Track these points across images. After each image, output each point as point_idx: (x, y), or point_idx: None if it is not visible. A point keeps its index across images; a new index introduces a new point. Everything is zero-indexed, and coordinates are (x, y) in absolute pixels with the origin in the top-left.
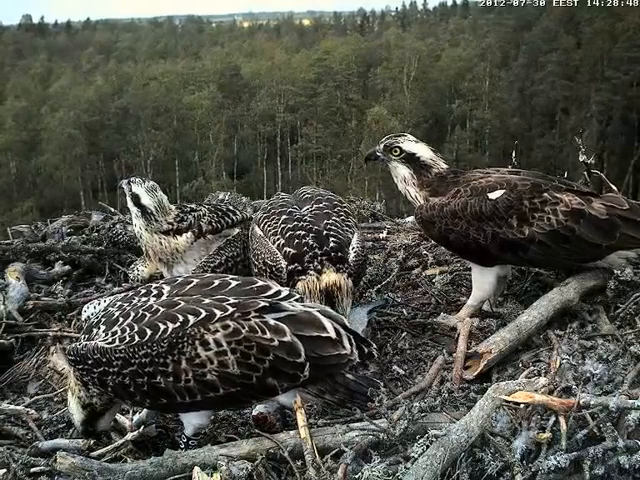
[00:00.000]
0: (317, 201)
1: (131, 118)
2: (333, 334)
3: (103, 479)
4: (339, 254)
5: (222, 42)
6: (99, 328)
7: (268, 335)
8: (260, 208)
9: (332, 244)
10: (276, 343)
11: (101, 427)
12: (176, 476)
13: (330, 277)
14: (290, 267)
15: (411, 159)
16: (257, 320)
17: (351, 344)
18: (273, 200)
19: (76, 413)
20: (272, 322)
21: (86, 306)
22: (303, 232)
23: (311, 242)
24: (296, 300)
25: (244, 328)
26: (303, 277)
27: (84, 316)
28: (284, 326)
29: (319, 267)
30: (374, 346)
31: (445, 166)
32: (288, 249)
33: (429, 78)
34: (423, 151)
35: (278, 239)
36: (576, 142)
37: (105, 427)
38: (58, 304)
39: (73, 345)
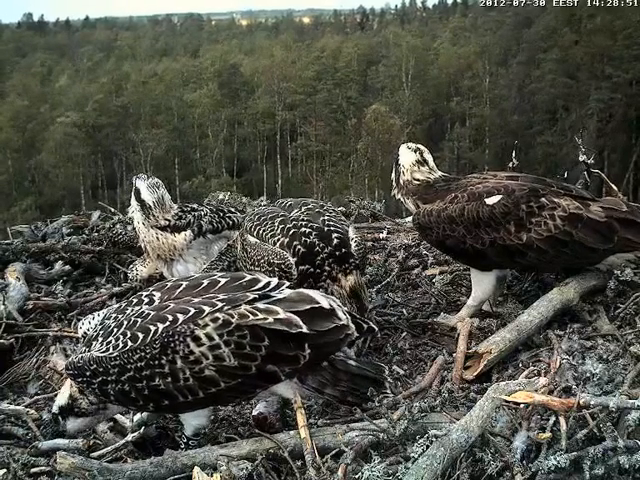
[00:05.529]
0: (304, 204)
1: (131, 116)
2: (326, 304)
3: (103, 479)
4: (343, 250)
5: (221, 40)
6: (97, 341)
7: (260, 315)
8: (246, 220)
9: (335, 240)
10: (271, 320)
11: (69, 427)
12: (176, 476)
13: (349, 280)
14: (301, 267)
15: (396, 162)
16: (247, 307)
17: (346, 316)
18: (256, 210)
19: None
20: (262, 306)
21: (81, 322)
22: (307, 230)
23: (317, 241)
24: (287, 287)
25: (234, 317)
26: (321, 284)
27: (80, 332)
28: (275, 307)
29: (333, 273)
30: (371, 323)
31: (435, 175)
32: (296, 243)
33: (429, 76)
34: (404, 157)
35: (279, 239)
36: (576, 141)
37: (73, 430)
38: (58, 304)
39: (70, 359)
